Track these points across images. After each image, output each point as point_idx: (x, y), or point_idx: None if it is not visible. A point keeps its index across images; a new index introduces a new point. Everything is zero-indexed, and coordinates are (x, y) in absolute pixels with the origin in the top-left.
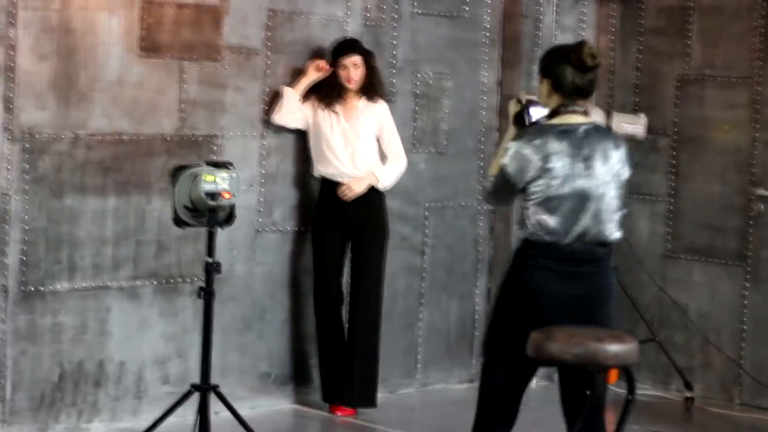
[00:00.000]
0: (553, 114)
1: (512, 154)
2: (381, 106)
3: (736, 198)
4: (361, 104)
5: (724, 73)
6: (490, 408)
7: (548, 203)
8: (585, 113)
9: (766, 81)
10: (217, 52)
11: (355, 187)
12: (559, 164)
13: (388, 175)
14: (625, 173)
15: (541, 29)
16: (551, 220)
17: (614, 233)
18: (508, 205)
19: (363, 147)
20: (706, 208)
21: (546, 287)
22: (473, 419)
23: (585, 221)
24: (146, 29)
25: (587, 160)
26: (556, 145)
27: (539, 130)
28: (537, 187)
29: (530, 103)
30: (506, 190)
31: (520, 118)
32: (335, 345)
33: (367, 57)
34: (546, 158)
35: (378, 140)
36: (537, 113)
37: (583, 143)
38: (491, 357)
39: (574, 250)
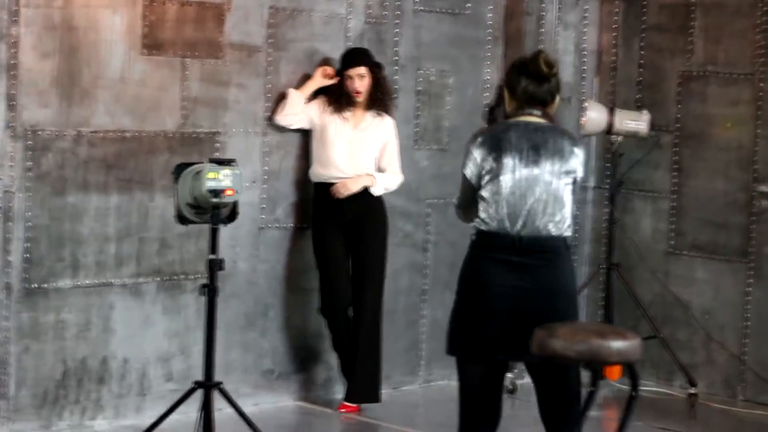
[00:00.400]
0: (509, 116)
1: (467, 156)
2: (388, 122)
3: (739, 195)
4: (369, 116)
5: (726, 69)
6: (471, 406)
7: (495, 191)
8: (546, 117)
9: None
10: (220, 50)
11: (350, 184)
12: (507, 153)
13: (384, 181)
14: (579, 173)
15: (544, 26)
16: (497, 208)
17: (564, 228)
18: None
19: (364, 159)
20: (709, 205)
21: (492, 278)
22: (458, 420)
23: (530, 209)
24: (149, 27)
25: (535, 150)
26: (503, 135)
27: (491, 127)
28: (486, 176)
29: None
30: (470, 194)
31: (491, 112)
32: (351, 348)
33: (374, 68)
34: (494, 147)
35: (379, 155)
36: None
37: (533, 135)
38: (457, 353)
39: (522, 238)
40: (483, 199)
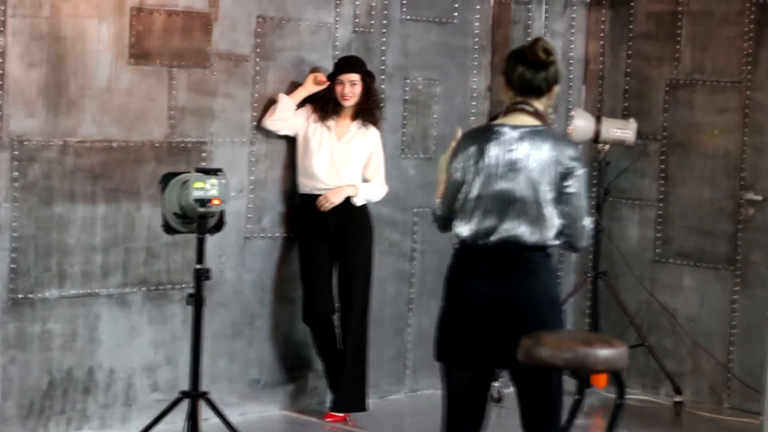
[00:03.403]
0: (505, 112)
1: (454, 157)
2: (373, 133)
3: (725, 202)
4: (353, 127)
5: (713, 77)
6: (455, 412)
7: (472, 203)
8: (536, 115)
9: (755, 85)
10: (207, 59)
11: (332, 197)
12: (485, 164)
13: (367, 191)
14: (576, 178)
15: (531, 35)
16: (474, 219)
17: (545, 237)
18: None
19: (348, 171)
20: (695, 213)
21: (471, 287)
22: (441, 427)
23: (507, 222)
24: (135, 36)
25: (514, 163)
26: (483, 146)
27: (473, 131)
28: (465, 187)
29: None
30: (452, 199)
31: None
32: (334, 356)
33: (366, 77)
34: (473, 157)
35: (364, 165)
36: None
37: (515, 144)
38: (444, 359)
39: (498, 249)
40: (461, 210)
